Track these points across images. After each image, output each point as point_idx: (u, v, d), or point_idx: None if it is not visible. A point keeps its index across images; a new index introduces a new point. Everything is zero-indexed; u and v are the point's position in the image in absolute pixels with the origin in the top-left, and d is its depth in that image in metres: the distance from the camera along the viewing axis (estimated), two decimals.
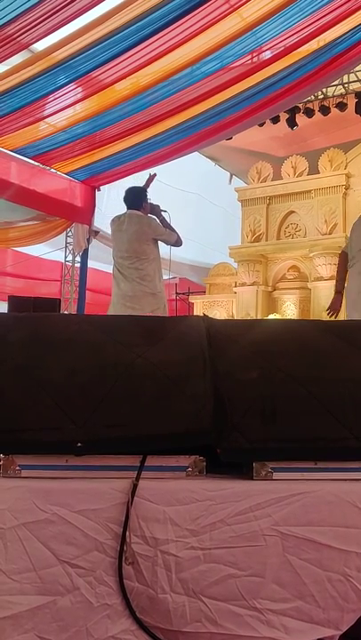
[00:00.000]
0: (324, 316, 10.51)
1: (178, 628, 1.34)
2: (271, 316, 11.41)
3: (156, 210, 4.88)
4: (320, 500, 1.40)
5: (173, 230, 4.84)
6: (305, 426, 1.48)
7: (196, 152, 9.29)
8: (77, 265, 8.79)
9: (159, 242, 4.85)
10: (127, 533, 1.34)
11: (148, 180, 5.04)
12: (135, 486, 1.37)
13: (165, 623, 1.34)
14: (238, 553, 1.36)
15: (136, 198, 4.85)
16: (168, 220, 4.90)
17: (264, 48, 6.21)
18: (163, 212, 4.92)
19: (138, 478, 1.39)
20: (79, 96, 6.42)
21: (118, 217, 4.89)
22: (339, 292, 4.55)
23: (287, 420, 1.48)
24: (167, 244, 4.88)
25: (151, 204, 4.90)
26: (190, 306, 13.30)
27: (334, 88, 10.14)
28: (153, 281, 4.71)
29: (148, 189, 4.94)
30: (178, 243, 4.86)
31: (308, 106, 10.10)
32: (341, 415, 1.48)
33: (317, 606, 1.36)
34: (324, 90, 9.95)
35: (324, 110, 10.03)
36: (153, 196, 5.10)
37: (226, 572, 1.35)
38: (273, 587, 1.36)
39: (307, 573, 1.37)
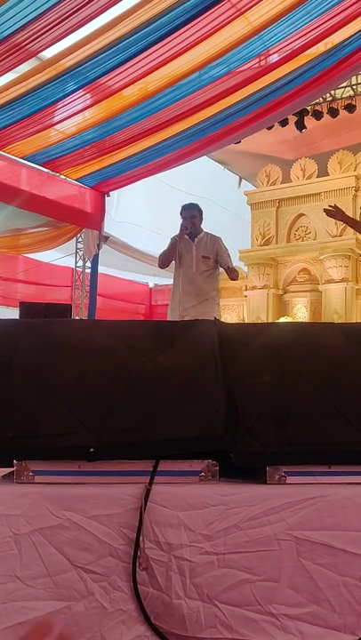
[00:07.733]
0: (336, 319, 10.50)
1: (193, 633, 1.33)
2: (282, 320, 11.36)
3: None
4: (334, 505, 1.39)
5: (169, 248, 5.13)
6: (318, 429, 1.47)
7: (205, 156, 9.28)
8: (88, 270, 8.83)
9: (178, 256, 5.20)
10: (141, 538, 1.34)
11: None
12: (148, 491, 1.37)
13: (180, 629, 1.34)
14: (253, 558, 1.35)
15: None
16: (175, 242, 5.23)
17: (271, 51, 6.20)
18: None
19: (151, 483, 1.39)
20: (88, 102, 6.45)
21: None
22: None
23: (300, 424, 1.47)
24: None
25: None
26: None
27: (343, 90, 10.11)
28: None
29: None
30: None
31: (316, 108, 10.07)
32: (356, 419, 1.47)
33: (333, 611, 1.35)
34: (332, 92, 9.93)
35: (333, 112, 10.00)
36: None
37: (240, 577, 1.35)
38: (288, 591, 1.35)
39: (322, 578, 1.36)
